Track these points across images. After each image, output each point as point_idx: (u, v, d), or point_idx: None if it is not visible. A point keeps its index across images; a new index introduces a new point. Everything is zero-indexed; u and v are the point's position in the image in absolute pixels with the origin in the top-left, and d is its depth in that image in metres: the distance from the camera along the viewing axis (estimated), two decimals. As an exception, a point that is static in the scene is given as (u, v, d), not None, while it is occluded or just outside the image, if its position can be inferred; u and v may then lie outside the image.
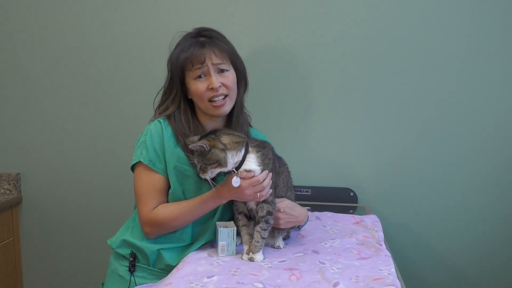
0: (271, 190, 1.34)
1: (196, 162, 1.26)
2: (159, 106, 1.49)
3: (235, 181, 1.28)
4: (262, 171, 1.31)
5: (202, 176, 1.27)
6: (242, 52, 1.51)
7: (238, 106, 1.49)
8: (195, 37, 1.43)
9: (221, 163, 1.25)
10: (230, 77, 1.42)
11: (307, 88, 2.02)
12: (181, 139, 1.41)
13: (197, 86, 1.40)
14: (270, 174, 1.33)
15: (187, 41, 1.42)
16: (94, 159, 2.18)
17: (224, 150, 1.25)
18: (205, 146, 1.23)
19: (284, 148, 1.85)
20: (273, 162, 1.37)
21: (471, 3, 1.89)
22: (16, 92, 2.19)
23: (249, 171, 1.29)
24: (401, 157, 2.00)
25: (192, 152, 1.28)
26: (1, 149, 2.24)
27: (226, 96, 1.41)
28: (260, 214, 1.34)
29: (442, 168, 1.99)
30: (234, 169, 1.29)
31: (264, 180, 1.30)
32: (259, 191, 1.30)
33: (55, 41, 2.14)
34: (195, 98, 1.43)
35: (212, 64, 1.39)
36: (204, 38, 1.42)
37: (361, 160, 2.03)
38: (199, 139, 1.27)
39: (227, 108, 1.43)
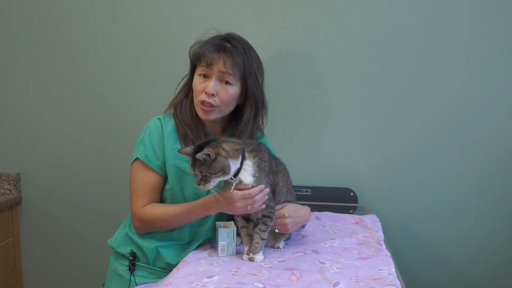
0: (263, 206, 1.32)
1: (198, 173, 1.22)
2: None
3: (235, 191, 1.27)
4: (256, 180, 1.29)
5: (204, 188, 1.23)
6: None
7: (244, 124, 1.46)
8: (221, 39, 1.42)
9: (226, 171, 1.23)
10: (229, 91, 1.40)
11: (307, 89, 2.02)
12: (181, 129, 1.41)
13: (196, 83, 1.41)
14: (267, 190, 1.31)
15: (212, 39, 1.43)
16: (94, 159, 2.18)
17: (227, 157, 1.23)
18: (211, 154, 1.20)
19: (284, 148, 1.86)
20: (269, 163, 1.36)
21: (469, 4, 1.89)
22: (16, 92, 2.19)
23: (242, 182, 1.27)
24: (401, 157, 2.00)
25: (194, 163, 1.23)
26: (1, 149, 2.24)
27: (215, 106, 1.39)
28: (258, 216, 1.34)
29: (442, 168, 1.99)
30: (232, 177, 1.26)
31: (256, 195, 1.28)
32: (250, 204, 1.29)
33: (55, 41, 2.14)
34: (193, 92, 1.44)
35: (218, 71, 1.38)
36: (228, 44, 1.40)
37: (361, 160, 2.03)
38: (195, 148, 1.24)
39: (212, 117, 1.41)
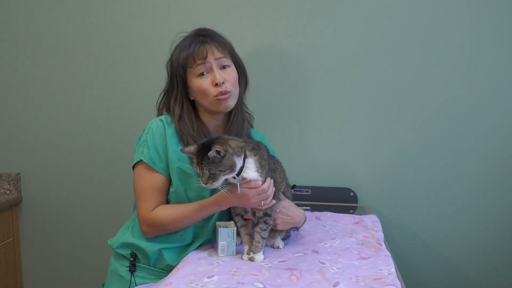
0: (274, 201, 1.34)
1: (206, 171, 1.21)
2: (161, 108, 1.50)
3: (241, 189, 1.27)
4: (262, 177, 1.29)
5: (212, 187, 1.22)
6: (242, 52, 1.51)
7: (238, 104, 1.48)
8: (196, 36, 1.43)
9: (233, 168, 1.22)
10: (232, 73, 1.42)
11: (307, 88, 2.02)
12: (185, 140, 1.40)
13: (200, 83, 1.40)
14: (272, 180, 1.33)
15: (186, 40, 1.43)
16: (94, 159, 2.18)
17: (233, 154, 1.23)
18: (221, 151, 1.20)
19: (284, 149, 1.86)
20: (268, 161, 1.36)
21: (468, 5, 1.89)
22: (16, 92, 2.19)
23: (250, 180, 1.28)
24: (401, 157, 2.00)
25: (200, 162, 1.21)
26: (1, 149, 2.24)
27: (230, 91, 1.40)
28: (258, 215, 1.34)
29: (442, 168, 1.99)
30: (235, 175, 1.26)
31: (268, 188, 1.30)
32: (263, 200, 1.30)
33: (55, 40, 2.14)
34: (199, 96, 1.42)
35: (215, 59, 1.39)
36: (205, 36, 1.42)
37: (361, 160, 2.03)
38: (199, 146, 1.24)
39: (231, 103, 1.42)
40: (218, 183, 1.22)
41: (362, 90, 1.99)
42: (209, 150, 1.20)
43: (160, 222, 1.37)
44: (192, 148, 1.24)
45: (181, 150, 1.28)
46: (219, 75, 1.39)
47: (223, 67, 1.41)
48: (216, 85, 1.38)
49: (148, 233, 1.40)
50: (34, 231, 2.27)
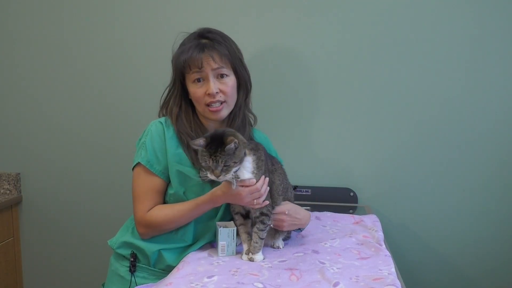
0: (267, 202, 1.33)
1: (221, 164, 1.20)
2: (163, 105, 1.50)
3: (242, 188, 1.28)
4: (255, 177, 1.29)
5: (223, 179, 1.22)
6: (245, 52, 1.50)
7: (237, 109, 1.48)
8: (197, 38, 1.42)
9: (242, 160, 1.24)
10: (229, 83, 1.41)
11: (307, 89, 2.02)
12: (184, 139, 1.40)
13: (194, 90, 1.40)
14: (267, 179, 1.33)
15: (189, 42, 1.41)
16: (95, 159, 2.18)
17: (243, 146, 1.24)
18: (236, 142, 1.20)
19: (284, 148, 1.86)
20: (266, 162, 1.36)
21: (469, 5, 1.89)
22: (16, 92, 2.19)
23: (247, 179, 1.28)
24: (401, 157, 2.00)
25: (214, 154, 1.20)
26: (1, 149, 2.24)
27: (223, 102, 1.40)
28: (255, 215, 1.34)
29: (442, 168, 1.99)
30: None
31: (261, 187, 1.30)
32: (256, 198, 1.30)
33: (55, 40, 2.13)
34: (194, 101, 1.43)
35: (211, 69, 1.38)
36: (206, 40, 1.41)
37: (361, 160, 2.03)
38: (208, 139, 1.23)
39: (224, 113, 1.42)
40: (229, 175, 1.22)
41: (362, 91, 1.99)
42: (219, 142, 1.20)
43: (156, 223, 1.37)
44: (201, 141, 1.23)
45: (190, 142, 1.28)
46: (213, 85, 1.38)
47: (221, 76, 1.40)
48: (209, 95, 1.38)
49: (145, 234, 1.40)
50: (34, 231, 2.27)
